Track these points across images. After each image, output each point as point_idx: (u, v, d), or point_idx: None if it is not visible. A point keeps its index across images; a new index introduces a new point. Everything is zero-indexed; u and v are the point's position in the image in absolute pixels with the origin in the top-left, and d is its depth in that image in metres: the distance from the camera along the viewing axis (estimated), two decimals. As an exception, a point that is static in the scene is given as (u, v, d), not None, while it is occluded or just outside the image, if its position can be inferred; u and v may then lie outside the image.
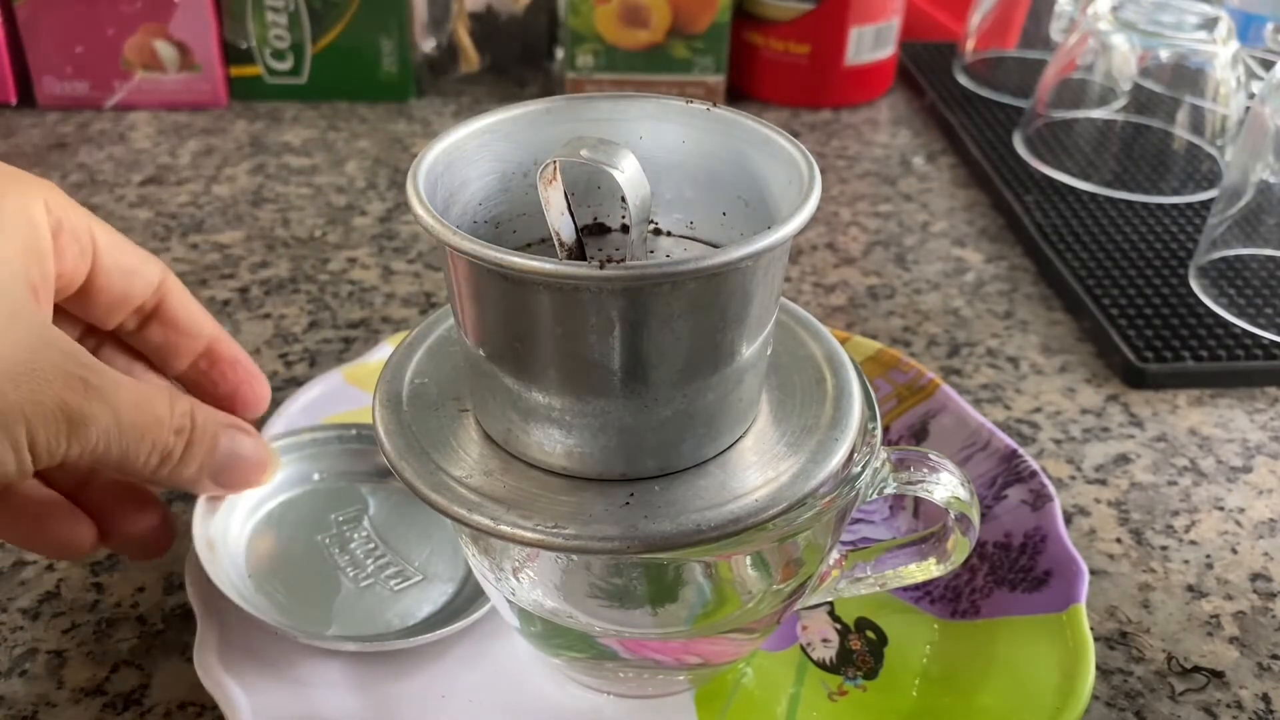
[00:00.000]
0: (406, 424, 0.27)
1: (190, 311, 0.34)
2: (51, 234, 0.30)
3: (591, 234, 0.28)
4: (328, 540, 0.35)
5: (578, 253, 0.26)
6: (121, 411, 0.28)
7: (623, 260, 0.27)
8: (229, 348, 0.35)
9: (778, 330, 0.26)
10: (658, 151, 0.28)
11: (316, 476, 0.37)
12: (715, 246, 0.28)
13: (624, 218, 0.28)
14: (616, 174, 0.24)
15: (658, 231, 0.29)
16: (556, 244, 0.26)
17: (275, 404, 0.43)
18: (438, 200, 0.24)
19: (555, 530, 0.24)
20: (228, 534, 0.34)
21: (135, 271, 0.32)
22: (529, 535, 0.24)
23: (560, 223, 0.25)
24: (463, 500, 0.25)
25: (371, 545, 0.35)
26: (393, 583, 0.35)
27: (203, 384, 0.35)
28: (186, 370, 0.35)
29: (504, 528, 0.24)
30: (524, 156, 0.27)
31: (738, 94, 0.75)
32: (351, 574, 0.35)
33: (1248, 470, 0.44)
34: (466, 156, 0.26)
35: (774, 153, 0.26)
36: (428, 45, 0.73)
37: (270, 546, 0.35)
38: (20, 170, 0.30)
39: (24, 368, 0.26)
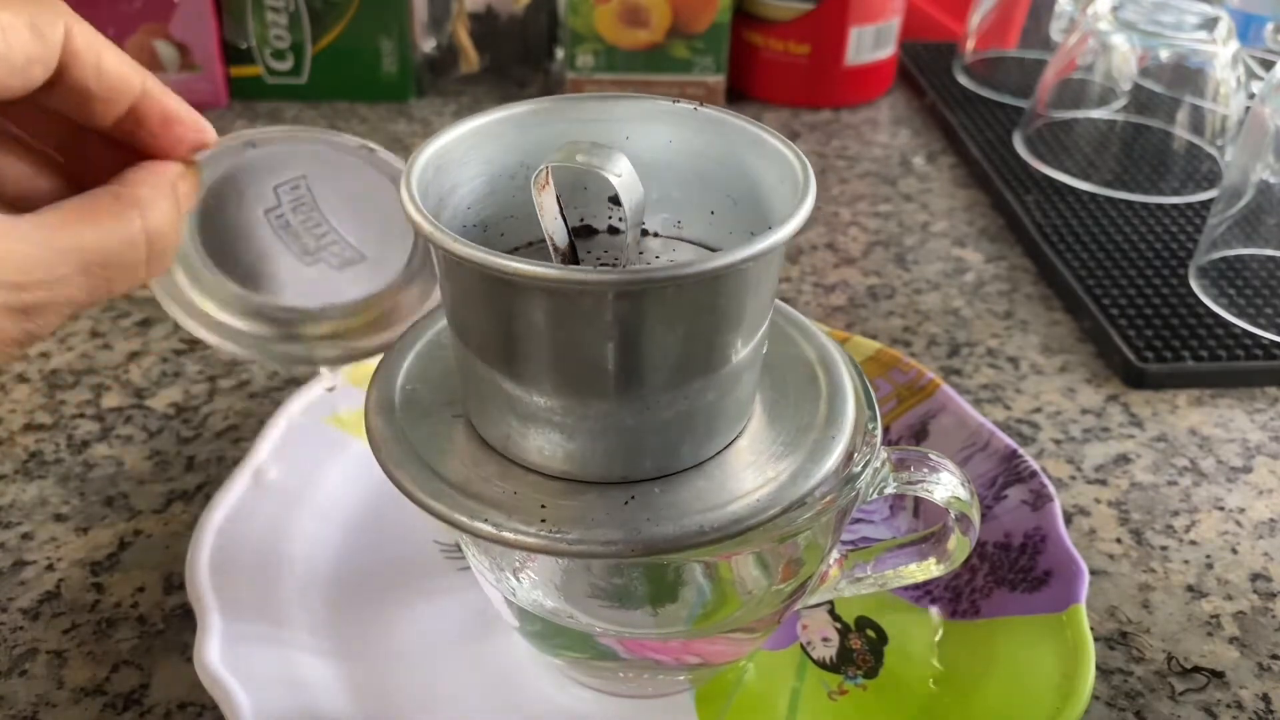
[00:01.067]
0: (400, 430, 0.27)
1: (103, 74, 0.28)
2: None
3: (579, 236, 0.28)
4: (271, 215, 0.33)
5: (571, 256, 0.26)
6: (83, 281, 0.26)
7: (616, 263, 0.27)
8: (160, 100, 0.29)
9: (769, 330, 0.26)
10: (645, 152, 0.28)
11: (254, 146, 0.33)
12: (703, 246, 0.28)
13: (617, 220, 0.28)
14: (613, 178, 0.24)
15: (644, 233, 0.29)
16: (550, 248, 0.26)
17: (275, 403, 0.43)
18: (429, 204, 0.24)
19: (559, 535, 0.24)
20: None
21: (29, 59, 0.26)
22: (532, 541, 0.24)
23: (554, 227, 0.25)
24: (463, 507, 0.25)
25: (315, 221, 0.34)
26: (336, 261, 0.34)
27: (128, 140, 0.29)
28: (110, 127, 0.29)
29: (507, 534, 0.24)
30: (511, 159, 0.27)
31: (738, 94, 0.75)
32: (296, 249, 0.33)
33: (1248, 470, 0.44)
34: (455, 160, 0.26)
35: (764, 152, 0.26)
36: (428, 45, 0.73)
37: (217, 225, 0.33)
38: None
39: None
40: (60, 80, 0.27)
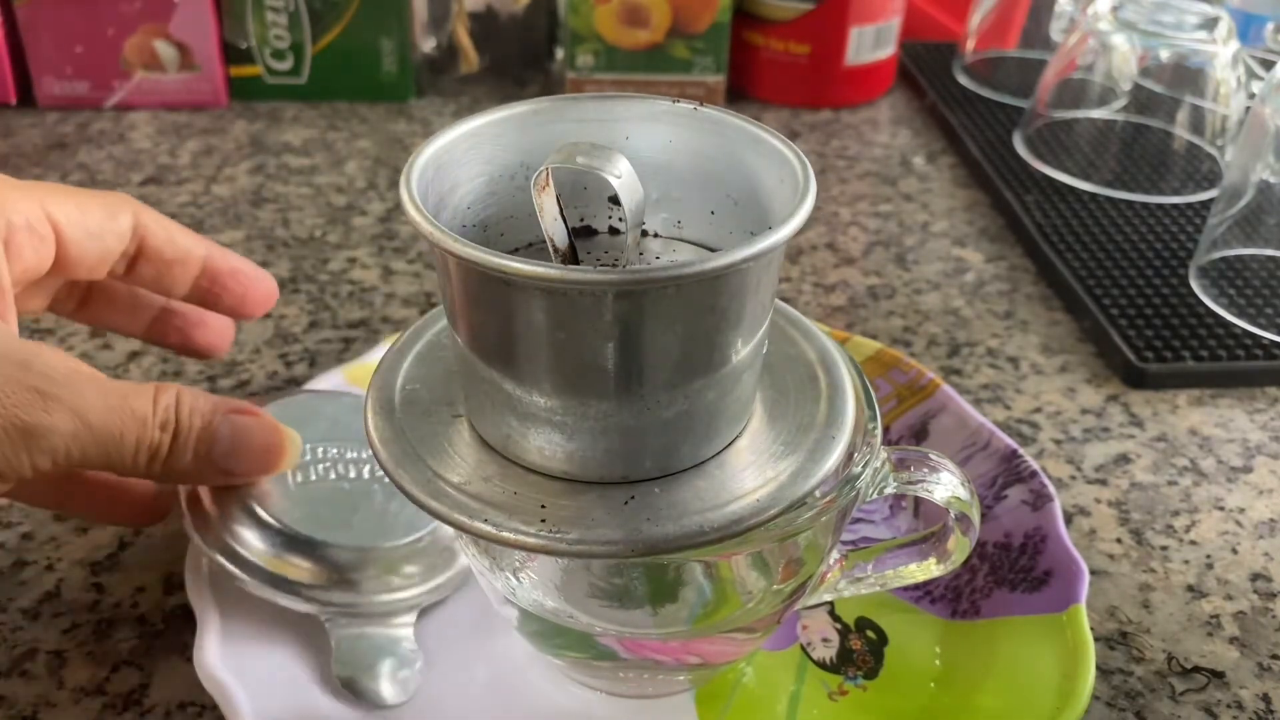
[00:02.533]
0: (400, 431, 0.27)
1: (175, 242, 0.34)
2: (2, 241, 0.30)
3: (579, 237, 0.28)
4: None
5: (571, 257, 0.26)
6: (90, 414, 0.28)
7: (616, 263, 0.27)
8: (225, 259, 0.36)
9: (769, 330, 0.26)
10: (645, 152, 0.28)
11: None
12: (703, 247, 0.28)
13: (618, 221, 0.28)
14: (613, 179, 0.24)
15: (644, 233, 0.29)
16: (550, 249, 0.26)
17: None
18: (429, 204, 0.24)
19: (559, 535, 0.24)
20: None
21: (104, 230, 0.33)
22: (532, 541, 0.24)
23: (554, 228, 0.25)
24: (463, 507, 0.25)
25: (322, 448, 0.36)
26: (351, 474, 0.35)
27: (209, 300, 0.36)
28: (190, 292, 0.36)
29: (507, 534, 0.24)
30: (511, 159, 0.27)
31: (738, 94, 0.75)
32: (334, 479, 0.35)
33: (1248, 470, 0.44)
34: (455, 160, 0.26)
35: (764, 151, 0.26)
36: (428, 45, 0.73)
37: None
38: None
39: None
40: (141, 253, 0.34)
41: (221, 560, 0.32)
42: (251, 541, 0.32)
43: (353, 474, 0.35)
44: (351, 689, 0.32)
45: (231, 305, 0.36)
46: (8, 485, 0.28)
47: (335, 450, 0.36)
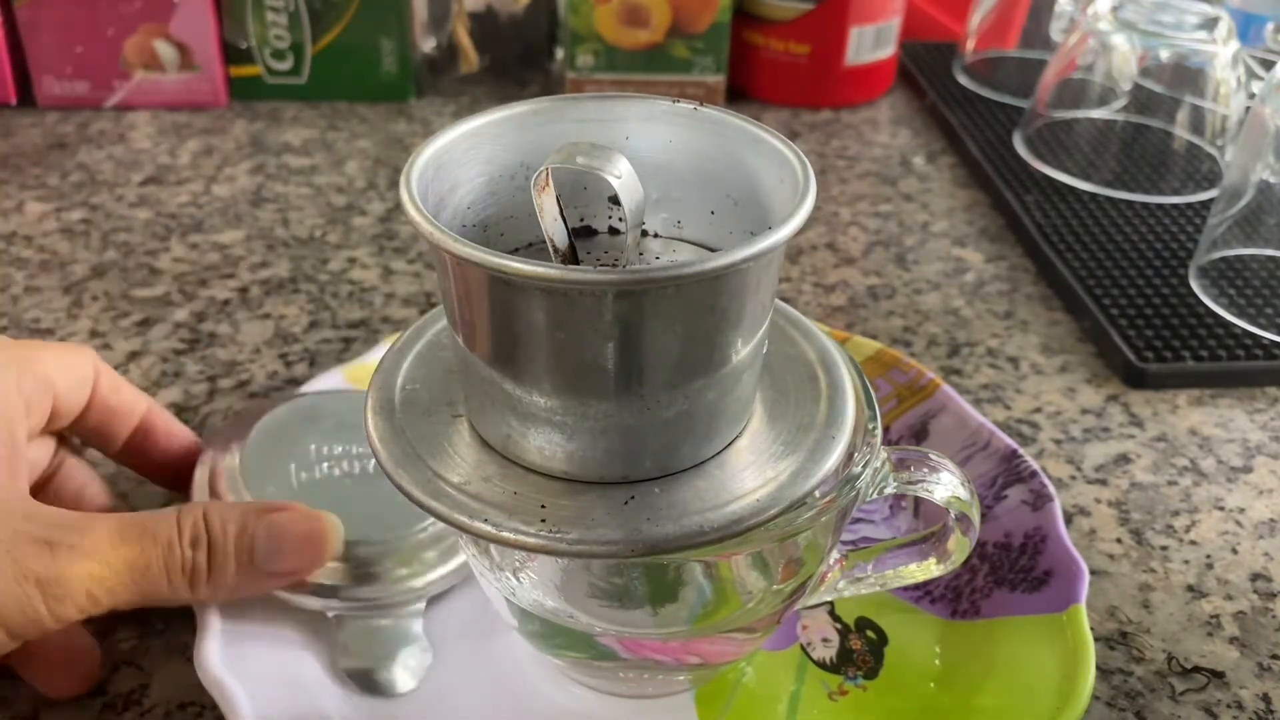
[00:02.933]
0: (400, 431, 0.27)
1: (121, 393, 0.35)
2: (26, 402, 0.31)
3: (579, 237, 0.28)
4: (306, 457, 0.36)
5: (571, 257, 0.26)
6: (108, 553, 0.28)
7: (616, 263, 0.27)
8: (162, 418, 0.36)
9: (769, 330, 0.26)
10: (645, 152, 0.28)
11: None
12: (703, 247, 0.28)
13: (618, 221, 0.28)
14: (613, 180, 0.24)
15: (644, 233, 0.29)
16: (550, 249, 0.26)
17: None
18: (429, 205, 0.24)
19: (558, 535, 0.24)
20: None
21: (83, 380, 0.33)
22: (532, 541, 0.24)
23: (554, 228, 0.25)
24: (463, 507, 0.25)
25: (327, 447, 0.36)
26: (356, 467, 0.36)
27: (142, 452, 0.36)
28: (124, 446, 0.35)
29: (506, 534, 0.24)
30: (512, 159, 0.27)
31: (738, 94, 0.75)
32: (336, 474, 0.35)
33: (1248, 470, 0.44)
34: (455, 160, 0.26)
35: (764, 151, 0.26)
36: (428, 45, 0.73)
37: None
38: None
39: None
40: (91, 401, 0.34)
41: None
42: None
43: (358, 470, 0.36)
44: (362, 680, 0.32)
45: (163, 465, 0.36)
46: (30, 637, 0.28)
47: (340, 448, 0.36)
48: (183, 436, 0.36)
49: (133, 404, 0.35)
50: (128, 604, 0.29)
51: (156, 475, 0.37)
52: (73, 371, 0.33)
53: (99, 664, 0.33)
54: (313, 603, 0.33)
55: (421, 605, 0.34)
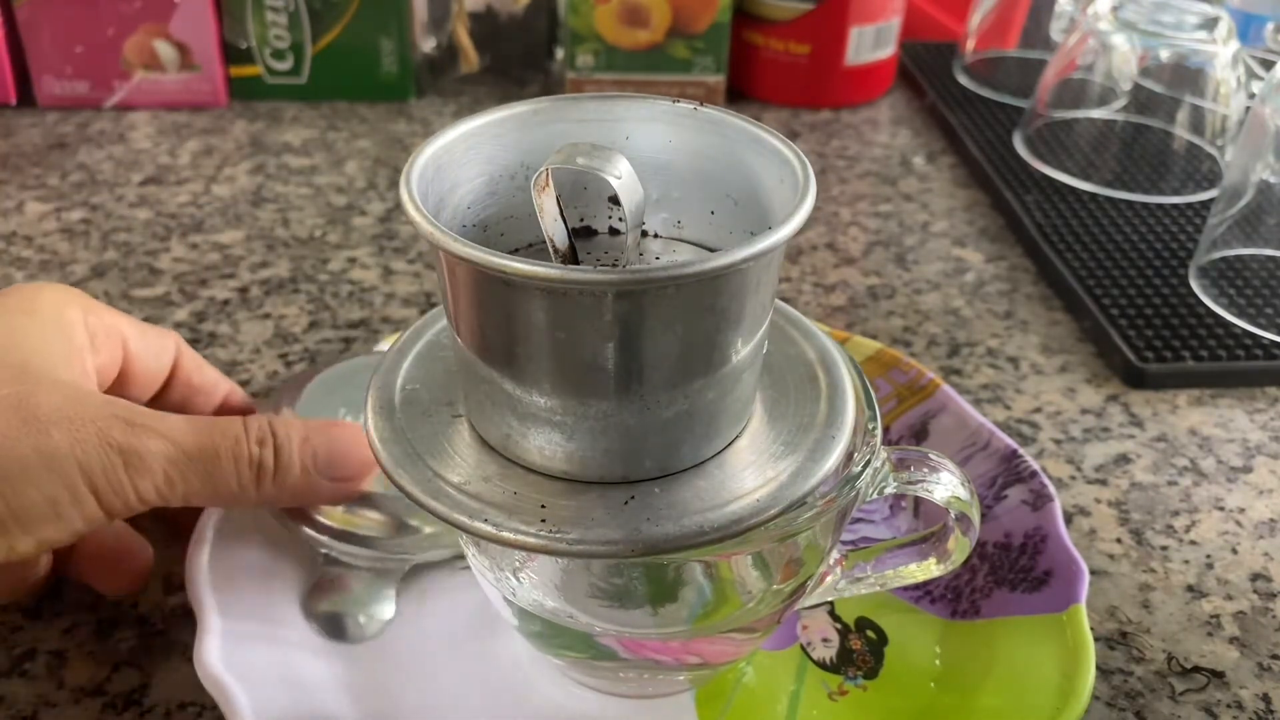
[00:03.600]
0: (401, 430, 0.27)
1: (203, 372, 0.37)
2: (90, 336, 0.32)
3: (579, 237, 0.28)
4: None
5: (571, 258, 0.26)
6: (182, 437, 0.29)
7: (616, 263, 0.27)
8: (241, 400, 0.38)
9: (769, 330, 0.26)
10: (645, 152, 0.28)
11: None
12: (703, 247, 0.28)
13: (618, 221, 0.28)
14: (613, 180, 0.24)
15: (644, 233, 0.29)
16: (550, 250, 0.26)
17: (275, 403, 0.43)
18: (429, 205, 0.24)
19: (558, 535, 0.24)
20: None
21: (161, 350, 0.35)
22: (532, 541, 0.24)
23: (554, 229, 0.25)
24: (463, 507, 0.25)
25: None
26: None
27: None
28: None
29: (506, 534, 0.24)
30: (512, 159, 0.27)
31: (738, 94, 0.75)
32: None
33: (1248, 470, 0.44)
34: (455, 160, 0.26)
35: (764, 151, 0.26)
36: (428, 45, 0.73)
37: None
38: (47, 283, 0.33)
39: (61, 414, 0.28)
40: (173, 379, 0.35)
41: (298, 525, 0.34)
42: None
43: None
44: (329, 623, 0.33)
45: None
46: (114, 512, 0.29)
47: None
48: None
49: (215, 383, 0.37)
50: (199, 495, 0.30)
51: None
52: (150, 338, 0.34)
53: (149, 565, 0.35)
54: (372, 559, 0.34)
55: (406, 567, 0.35)
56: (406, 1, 0.68)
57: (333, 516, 0.34)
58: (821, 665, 0.34)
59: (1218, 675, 0.35)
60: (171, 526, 0.37)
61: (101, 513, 0.29)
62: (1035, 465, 0.38)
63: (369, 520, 0.34)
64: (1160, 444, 0.45)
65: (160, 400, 0.36)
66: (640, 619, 0.30)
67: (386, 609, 0.35)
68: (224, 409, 0.37)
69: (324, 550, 0.35)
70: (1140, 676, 0.35)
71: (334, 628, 0.34)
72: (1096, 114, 0.67)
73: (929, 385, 0.42)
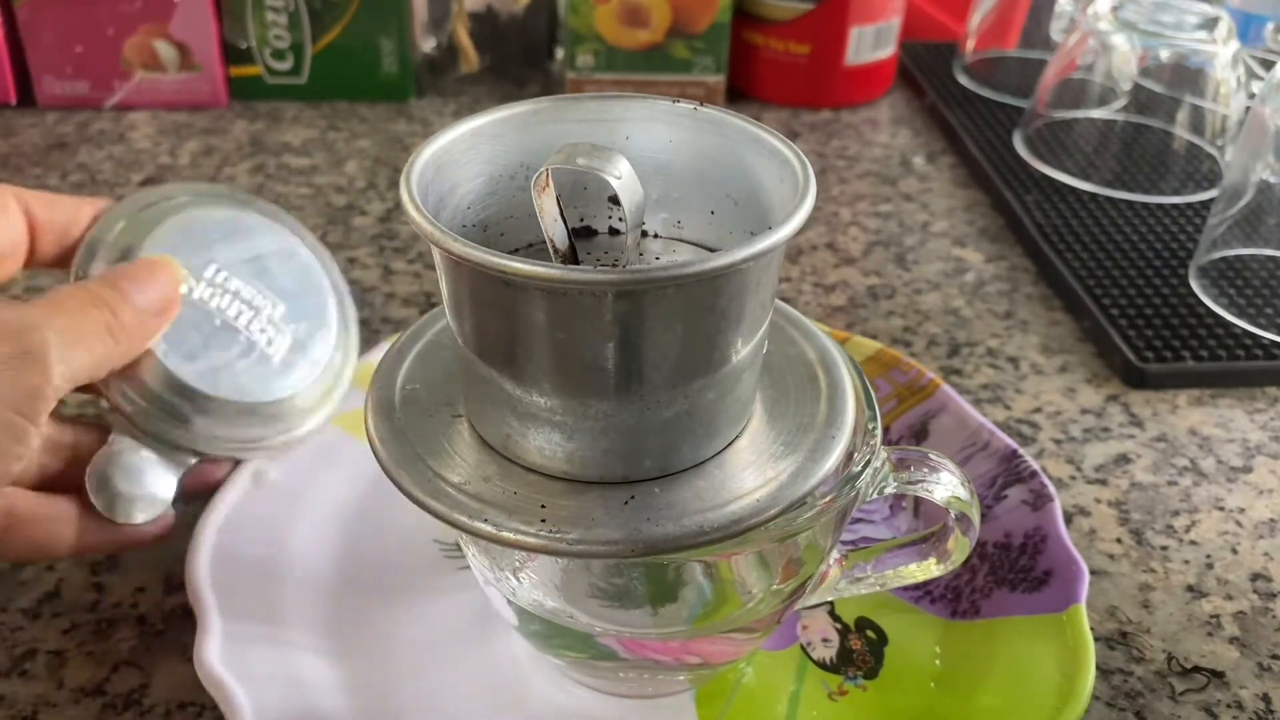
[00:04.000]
0: (400, 430, 0.27)
1: (59, 205, 0.36)
2: None
3: (579, 237, 0.28)
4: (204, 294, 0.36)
5: (571, 258, 0.26)
6: (52, 320, 0.30)
7: (616, 264, 0.27)
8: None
9: (769, 330, 0.26)
10: (645, 152, 0.28)
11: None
12: (703, 247, 0.28)
13: (618, 221, 0.28)
14: (613, 180, 0.24)
15: (644, 233, 0.29)
16: (551, 250, 0.26)
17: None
18: (429, 205, 0.24)
19: (558, 535, 0.24)
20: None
21: (71, 221, 0.36)
22: (532, 541, 0.24)
23: (554, 229, 0.25)
24: (463, 507, 0.25)
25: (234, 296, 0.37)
26: (268, 347, 0.37)
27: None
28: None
29: (507, 534, 0.24)
30: (512, 159, 0.27)
31: (738, 94, 0.75)
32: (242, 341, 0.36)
33: (1248, 470, 0.44)
34: (455, 160, 0.26)
35: (764, 151, 0.26)
36: (428, 45, 0.73)
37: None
38: None
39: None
40: (35, 230, 0.35)
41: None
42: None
43: (237, 315, 0.36)
44: (106, 499, 0.33)
45: None
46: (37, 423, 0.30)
47: (239, 283, 0.37)
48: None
49: (75, 208, 0.36)
50: (86, 368, 0.31)
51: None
52: (60, 208, 0.35)
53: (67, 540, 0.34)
54: (126, 410, 0.34)
55: (194, 461, 0.35)
56: (406, 1, 0.68)
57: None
58: (821, 665, 0.34)
59: (1218, 675, 0.35)
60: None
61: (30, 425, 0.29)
62: (1035, 465, 0.38)
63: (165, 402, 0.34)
64: (1160, 444, 0.45)
65: (36, 260, 0.36)
66: (640, 619, 0.30)
67: (165, 505, 0.34)
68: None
69: (115, 433, 0.35)
70: (1140, 676, 0.35)
71: (110, 504, 0.33)
72: (1096, 114, 0.67)
73: (929, 385, 0.42)
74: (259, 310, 0.37)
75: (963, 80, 0.75)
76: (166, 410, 0.34)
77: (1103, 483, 0.42)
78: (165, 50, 0.67)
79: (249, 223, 0.38)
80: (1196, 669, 0.35)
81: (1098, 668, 0.34)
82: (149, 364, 0.34)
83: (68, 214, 0.36)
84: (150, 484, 0.34)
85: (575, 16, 0.69)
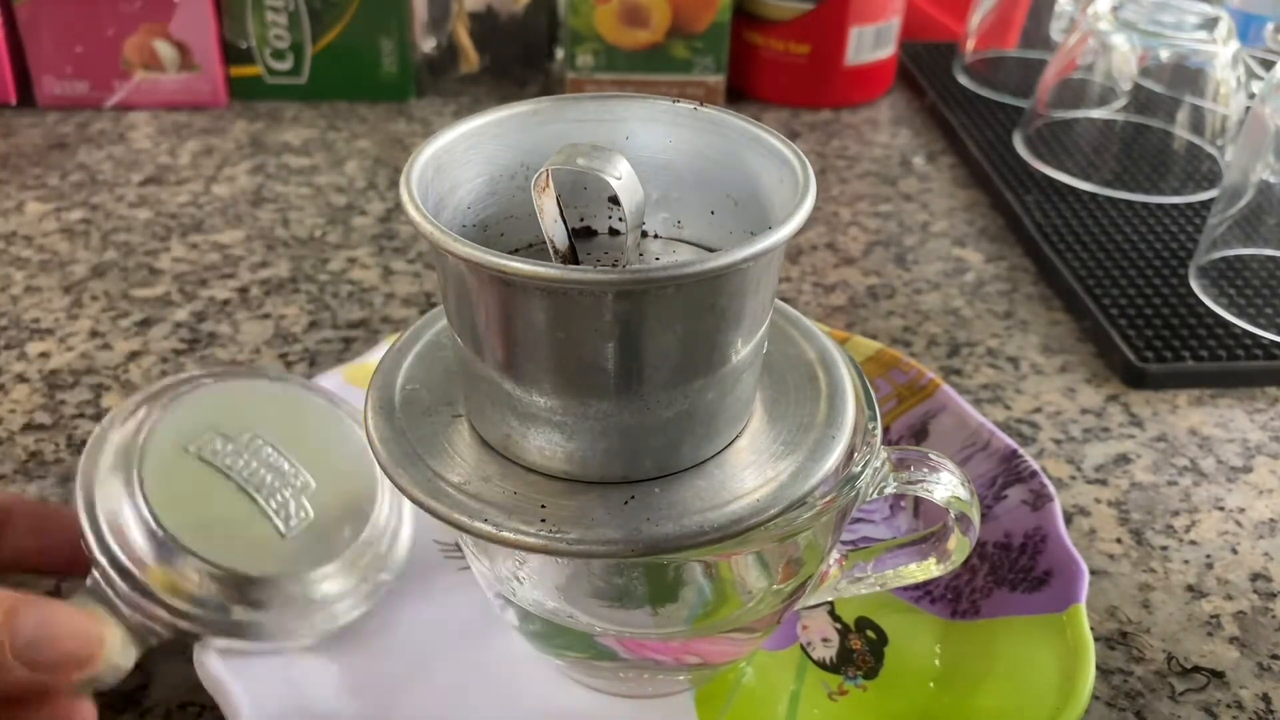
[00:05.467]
0: (400, 430, 0.27)
1: None
2: None
3: (579, 237, 0.28)
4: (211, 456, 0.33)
5: (571, 258, 0.26)
6: None
7: (616, 264, 0.27)
8: (24, 505, 0.33)
9: (769, 330, 0.26)
10: (645, 152, 0.28)
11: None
12: (703, 247, 0.28)
13: (618, 221, 0.28)
14: (613, 181, 0.24)
15: (644, 234, 0.29)
16: (551, 250, 0.26)
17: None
18: (429, 205, 0.24)
19: (558, 535, 0.24)
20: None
21: None
22: (532, 541, 0.24)
23: (554, 229, 0.25)
24: (463, 507, 0.25)
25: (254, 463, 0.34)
26: (284, 523, 0.33)
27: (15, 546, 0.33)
28: None
29: (507, 534, 0.24)
30: (512, 159, 0.27)
31: (738, 94, 0.75)
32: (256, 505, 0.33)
33: (1248, 470, 0.44)
34: (455, 160, 0.26)
35: (764, 151, 0.26)
36: (428, 45, 0.73)
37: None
38: None
39: None
40: None
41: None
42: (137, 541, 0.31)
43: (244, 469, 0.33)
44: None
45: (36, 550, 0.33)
46: None
47: (249, 459, 0.34)
48: (58, 517, 0.33)
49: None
50: None
51: (42, 565, 0.34)
52: None
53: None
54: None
55: (154, 641, 0.31)
56: (406, 1, 0.68)
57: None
58: (821, 665, 0.34)
59: (1218, 675, 0.35)
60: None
61: None
62: (1035, 465, 0.38)
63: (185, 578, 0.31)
64: (1160, 444, 0.45)
65: None
66: (640, 619, 0.30)
67: (126, 661, 0.30)
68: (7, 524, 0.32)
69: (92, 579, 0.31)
70: (1140, 676, 0.35)
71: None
72: (1096, 114, 0.67)
73: (929, 385, 0.42)
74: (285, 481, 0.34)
75: (963, 80, 0.75)
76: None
77: (1103, 483, 0.42)
78: (165, 50, 0.67)
79: (252, 387, 0.36)
80: (1196, 669, 0.35)
81: (1098, 668, 0.34)
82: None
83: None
84: (112, 656, 0.30)
85: (575, 16, 0.69)
